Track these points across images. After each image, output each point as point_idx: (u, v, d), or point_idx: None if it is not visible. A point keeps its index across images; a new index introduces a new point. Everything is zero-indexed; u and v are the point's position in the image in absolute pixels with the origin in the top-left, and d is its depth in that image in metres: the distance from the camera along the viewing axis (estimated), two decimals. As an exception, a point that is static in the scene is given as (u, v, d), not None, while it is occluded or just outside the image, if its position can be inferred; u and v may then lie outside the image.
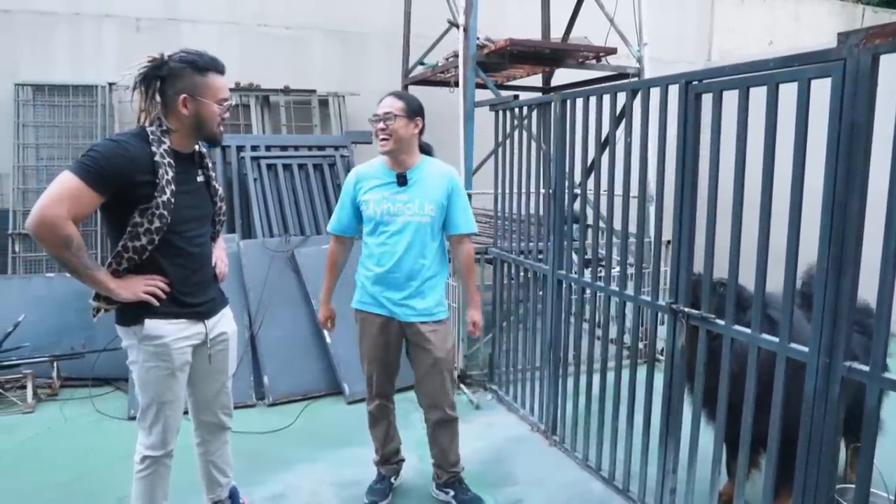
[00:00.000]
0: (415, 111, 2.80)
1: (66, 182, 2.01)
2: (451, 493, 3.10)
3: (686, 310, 2.67)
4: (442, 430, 3.04)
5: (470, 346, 4.55)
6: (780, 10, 8.30)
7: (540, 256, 3.82)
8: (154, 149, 2.15)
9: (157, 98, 2.20)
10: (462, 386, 4.47)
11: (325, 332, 4.40)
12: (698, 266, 2.62)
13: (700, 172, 2.62)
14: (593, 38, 5.27)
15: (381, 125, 2.74)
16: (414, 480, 3.30)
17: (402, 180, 2.80)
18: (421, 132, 2.86)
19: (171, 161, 2.19)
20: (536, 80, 6.20)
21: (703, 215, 2.58)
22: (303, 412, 4.10)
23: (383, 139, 2.75)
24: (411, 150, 2.83)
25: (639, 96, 2.94)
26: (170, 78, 2.18)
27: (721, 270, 2.47)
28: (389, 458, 3.16)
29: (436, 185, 2.83)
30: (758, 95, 2.29)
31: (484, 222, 5.67)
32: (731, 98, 2.40)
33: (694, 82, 2.59)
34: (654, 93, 2.82)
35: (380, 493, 3.10)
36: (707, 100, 2.53)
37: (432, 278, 2.88)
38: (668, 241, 4.14)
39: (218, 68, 2.23)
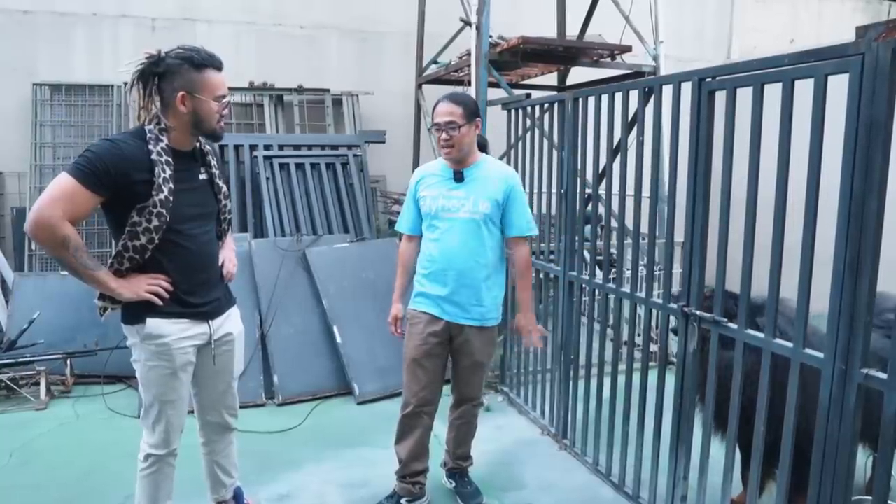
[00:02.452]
0: (473, 113, 2.76)
1: (61, 183, 2.01)
2: (454, 483, 3.15)
3: (698, 313, 2.61)
4: (463, 421, 3.08)
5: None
6: (801, 8, 8.14)
7: (552, 257, 3.77)
8: (151, 147, 2.13)
9: (155, 95, 2.18)
10: (473, 387, 4.42)
11: (336, 332, 4.39)
12: (711, 268, 2.56)
13: (713, 172, 2.56)
14: (611, 36, 5.20)
15: (444, 135, 2.70)
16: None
17: (458, 177, 2.78)
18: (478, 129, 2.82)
19: (169, 159, 2.17)
20: (552, 79, 6.14)
21: (716, 216, 2.52)
22: (312, 412, 4.08)
23: (447, 148, 2.72)
24: (472, 150, 2.80)
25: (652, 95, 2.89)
26: (167, 75, 2.16)
27: (734, 272, 2.40)
28: (407, 476, 2.96)
29: (493, 183, 2.78)
30: (772, 92, 2.23)
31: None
32: (745, 95, 2.34)
33: (707, 79, 2.53)
34: (668, 91, 2.76)
35: None
36: (721, 97, 2.47)
37: (487, 280, 2.79)
38: (683, 242, 4.08)
39: (215, 64, 2.20)
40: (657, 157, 2.82)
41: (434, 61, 5.50)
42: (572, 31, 5.84)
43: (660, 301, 2.88)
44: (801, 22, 8.11)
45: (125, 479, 3.09)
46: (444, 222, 2.77)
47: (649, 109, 2.86)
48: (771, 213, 2.23)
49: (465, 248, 2.74)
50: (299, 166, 5.44)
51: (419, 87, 5.77)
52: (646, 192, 2.99)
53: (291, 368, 4.32)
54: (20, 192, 5.60)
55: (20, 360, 4.26)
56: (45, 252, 2.07)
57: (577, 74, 5.87)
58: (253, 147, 5.43)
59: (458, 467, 3.15)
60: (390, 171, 6.34)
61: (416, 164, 6.07)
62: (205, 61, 2.17)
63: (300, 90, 6.06)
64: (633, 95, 3.09)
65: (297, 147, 5.61)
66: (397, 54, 6.50)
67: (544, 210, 3.82)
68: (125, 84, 5.52)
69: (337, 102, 6.20)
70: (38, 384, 4.24)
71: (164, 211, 2.13)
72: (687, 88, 2.61)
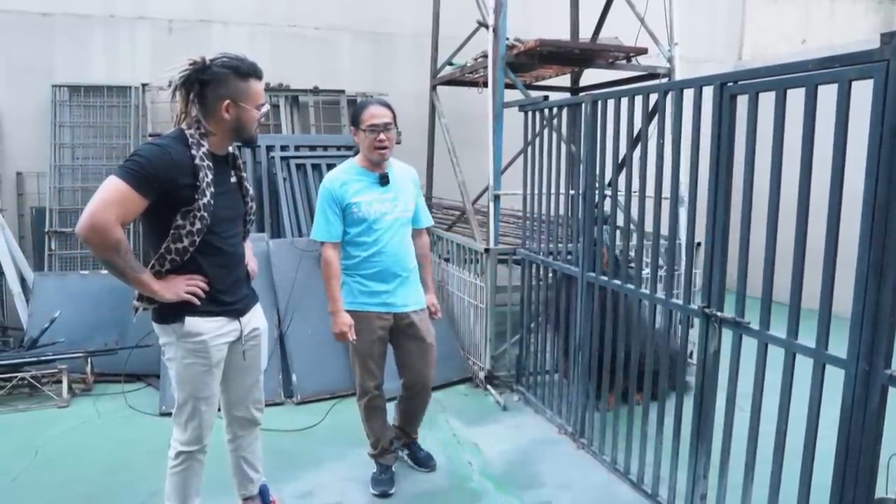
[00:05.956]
0: (395, 117, 2.98)
1: (113, 187, 2.05)
2: (407, 451, 3.43)
3: (719, 314, 2.64)
4: (420, 403, 3.32)
5: (497, 347, 4.54)
6: (814, 8, 8.14)
7: (569, 257, 3.80)
8: (194, 152, 2.18)
9: (196, 101, 2.23)
10: (489, 387, 4.46)
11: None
12: (731, 268, 2.59)
13: (730, 174, 2.60)
14: (623, 37, 5.22)
15: (381, 136, 2.88)
16: (443, 482, 3.31)
17: (384, 180, 2.98)
18: None
19: (210, 164, 2.23)
20: (564, 80, 6.16)
21: (735, 217, 2.55)
22: (331, 410, 4.12)
23: (384, 149, 2.91)
24: None
25: (671, 97, 2.92)
26: (212, 82, 2.20)
27: (756, 273, 2.43)
28: (388, 448, 3.26)
29: (408, 183, 3.10)
30: (794, 97, 2.26)
31: (511, 223, 5.67)
32: (765, 100, 2.37)
33: (729, 84, 2.56)
34: (687, 94, 2.79)
35: (387, 482, 3.21)
36: (742, 101, 2.50)
37: (415, 269, 3.15)
38: (699, 244, 4.11)
39: (258, 74, 2.28)
40: (677, 159, 2.84)
41: (449, 63, 5.53)
42: (584, 32, 5.87)
43: (679, 302, 2.91)
44: (813, 22, 8.11)
45: (149, 475, 3.18)
46: (383, 224, 2.96)
47: (669, 111, 2.89)
48: (791, 216, 2.26)
49: (405, 246, 3.05)
50: (316, 167, 5.48)
51: (433, 88, 5.80)
52: (665, 193, 3.02)
53: (310, 367, 4.37)
54: (39, 192, 5.65)
55: (42, 358, 4.33)
56: (94, 254, 2.10)
57: (590, 76, 5.90)
58: (270, 148, 5.47)
59: (409, 438, 3.42)
60: (404, 171, 6.37)
61: (430, 165, 6.11)
62: (249, 71, 2.24)
63: (315, 91, 6.10)
64: (653, 98, 3.12)
65: (312, 148, 5.66)
66: (410, 55, 6.53)
67: (561, 211, 3.86)
68: (143, 85, 5.66)
69: (352, 103, 6.22)
70: (59, 382, 4.30)
71: (206, 214, 2.19)
72: (708, 92, 2.64)
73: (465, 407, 4.23)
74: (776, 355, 2.38)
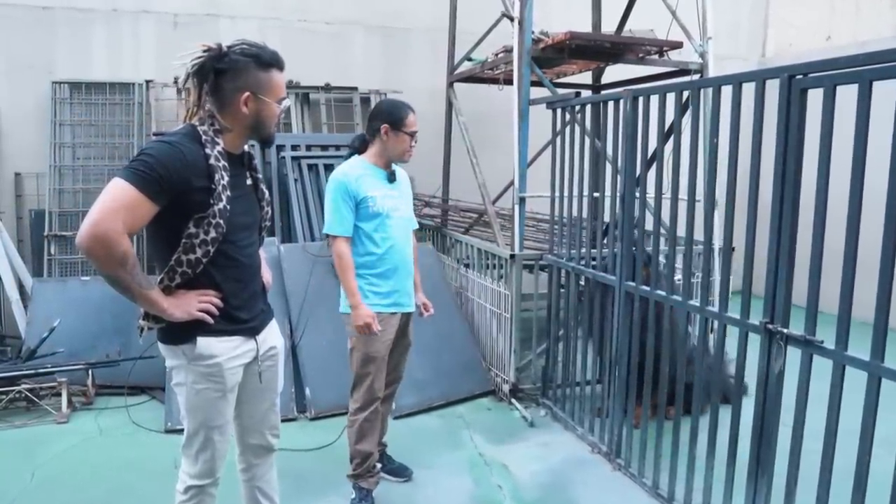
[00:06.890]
0: None
1: (119, 192, 1.78)
2: (379, 465, 3.16)
3: (784, 331, 2.39)
4: (388, 402, 3.22)
5: (522, 358, 4.29)
6: (838, 2, 7.87)
7: (603, 262, 3.55)
8: (208, 150, 1.92)
9: (210, 93, 1.97)
10: (514, 401, 4.21)
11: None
12: (800, 283, 2.34)
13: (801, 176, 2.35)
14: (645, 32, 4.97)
15: (414, 142, 2.95)
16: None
17: (392, 178, 2.98)
18: None
19: (226, 164, 1.97)
20: (584, 77, 5.90)
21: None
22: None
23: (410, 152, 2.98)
24: None
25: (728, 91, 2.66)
26: (230, 72, 1.95)
27: (830, 286, 2.19)
28: (372, 468, 3.04)
29: (407, 185, 3.12)
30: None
31: (530, 226, 5.41)
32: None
33: (798, 76, 2.32)
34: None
35: None
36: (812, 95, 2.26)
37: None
38: (733, 248, 3.84)
39: (280, 64, 2.02)
40: (734, 159, 2.59)
41: (468, 58, 5.27)
42: (606, 26, 5.62)
43: (736, 316, 2.66)
44: (837, 18, 7.84)
45: (155, 500, 2.95)
46: (393, 221, 2.93)
47: (727, 108, 2.64)
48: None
49: (408, 244, 3.04)
50: (328, 167, 5.23)
51: (450, 85, 5.55)
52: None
53: (324, 381, 4.12)
54: (38, 193, 5.41)
55: (40, 370, 4.09)
56: (97, 269, 1.84)
57: (611, 73, 5.65)
58: (280, 147, 5.22)
59: (382, 448, 3.25)
60: (419, 171, 6.07)
61: (447, 164, 5.86)
62: (271, 61, 1.98)
63: (327, 88, 5.86)
64: (698, 94, 2.87)
65: (324, 147, 5.42)
66: (424, 51, 6.29)
67: (594, 215, 3.61)
68: (147, 82, 5.42)
69: (365, 101, 6.00)
70: (58, 395, 4.06)
71: (221, 221, 1.93)
72: (773, 86, 2.39)
73: (489, 423, 3.99)
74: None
